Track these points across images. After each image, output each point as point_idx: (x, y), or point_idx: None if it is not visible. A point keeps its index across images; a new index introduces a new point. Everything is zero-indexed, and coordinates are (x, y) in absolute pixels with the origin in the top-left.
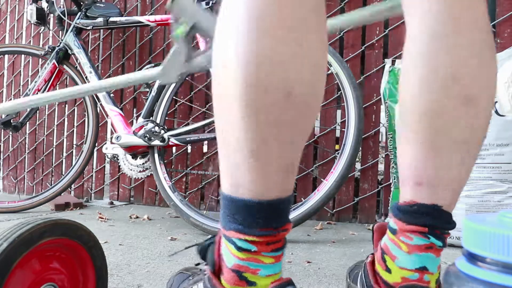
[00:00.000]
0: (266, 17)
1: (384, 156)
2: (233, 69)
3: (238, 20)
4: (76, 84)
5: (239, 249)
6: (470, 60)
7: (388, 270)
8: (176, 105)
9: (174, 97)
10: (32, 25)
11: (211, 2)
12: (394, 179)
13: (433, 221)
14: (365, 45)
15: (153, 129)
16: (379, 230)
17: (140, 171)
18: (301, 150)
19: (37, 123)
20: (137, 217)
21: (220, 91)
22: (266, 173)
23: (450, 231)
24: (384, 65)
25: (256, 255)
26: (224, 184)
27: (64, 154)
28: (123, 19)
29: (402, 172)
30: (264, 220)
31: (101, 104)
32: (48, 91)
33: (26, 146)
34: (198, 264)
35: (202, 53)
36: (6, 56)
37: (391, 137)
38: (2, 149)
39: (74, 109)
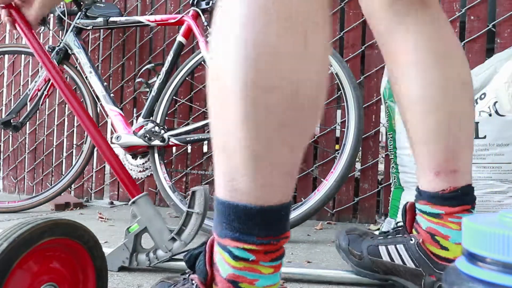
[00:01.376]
0: (271, 6)
1: (384, 156)
2: (233, 61)
3: (239, 10)
4: (76, 84)
5: (236, 258)
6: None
7: (445, 248)
8: (176, 105)
9: (174, 97)
10: None
11: (211, 2)
12: (394, 179)
13: (472, 197)
14: (365, 45)
15: (153, 129)
16: (411, 211)
17: (140, 171)
18: (304, 152)
19: (37, 123)
20: None
21: (218, 89)
22: (269, 176)
23: None
24: (384, 65)
25: (254, 264)
26: (220, 189)
27: (64, 154)
28: (123, 19)
29: (430, 167)
30: (264, 227)
31: (101, 104)
32: (48, 91)
33: (26, 146)
34: (183, 273)
35: (147, 252)
36: (6, 56)
37: (391, 137)
38: (2, 149)
39: None
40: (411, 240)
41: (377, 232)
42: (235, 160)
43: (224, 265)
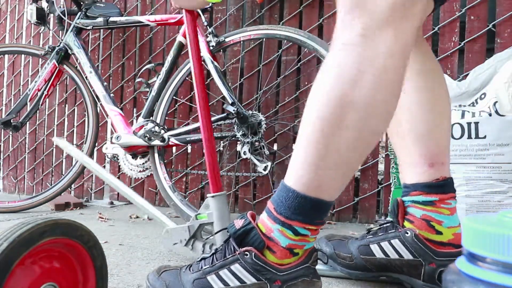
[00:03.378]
0: None
1: (384, 156)
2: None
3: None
4: (76, 84)
5: (297, 234)
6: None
7: (439, 232)
8: (176, 105)
9: (174, 97)
10: (32, 25)
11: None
12: (394, 179)
13: (454, 188)
14: None
15: (153, 129)
16: (402, 206)
17: (140, 171)
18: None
19: (37, 123)
20: (137, 217)
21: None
22: (346, 181)
23: None
24: None
25: (307, 237)
26: (300, 183)
27: (64, 154)
28: (123, 19)
29: (426, 158)
30: (324, 214)
31: (101, 104)
32: (48, 91)
33: (26, 146)
34: (216, 250)
35: (205, 243)
36: (6, 56)
37: None
38: (2, 149)
39: (74, 109)
40: (407, 233)
41: None
42: (330, 168)
43: (283, 238)
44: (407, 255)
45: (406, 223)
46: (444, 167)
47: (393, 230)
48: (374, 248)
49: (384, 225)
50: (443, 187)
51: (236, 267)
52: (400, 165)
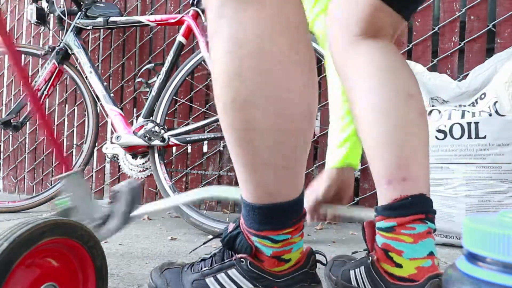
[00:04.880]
0: None
1: None
2: None
3: None
4: (76, 84)
5: (276, 241)
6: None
7: (398, 265)
8: (176, 105)
9: (174, 97)
10: (32, 25)
11: None
12: None
13: (426, 207)
14: None
15: (153, 129)
16: (370, 226)
17: (140, 171)
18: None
19: (37, 123)
20: None
21: None
22: (291, 175)
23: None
24: None
25: (290, 239)
26: (249, 194)
27: (64, 154)
28: (123, 19)
29: (382, 176)
30: (295, 213)
31: (101, 104)
32: (48, 91)
33: (26, 146)
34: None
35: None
36: (6, 56)
37: None
38: (2, 149)
39: (74, 109)
40: (369, 259)
41: None
42: (268, 171)
43: (266, 248)
44: (367, 286)
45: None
46: (406, 184)
47: (365, 256)
48: (352, 274)
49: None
50: (401, 208)
51: (233, 272)
52: None
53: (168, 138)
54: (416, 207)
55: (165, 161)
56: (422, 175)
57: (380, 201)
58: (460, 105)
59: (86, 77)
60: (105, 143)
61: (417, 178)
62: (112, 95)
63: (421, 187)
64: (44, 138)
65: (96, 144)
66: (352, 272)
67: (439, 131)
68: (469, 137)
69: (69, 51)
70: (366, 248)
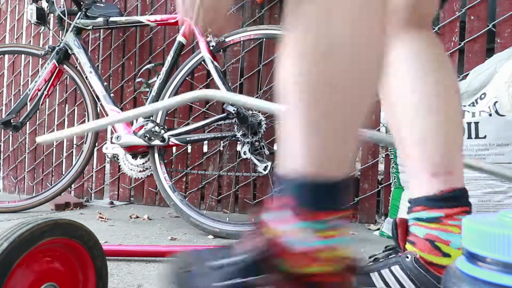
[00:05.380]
0: None
1: (384, 156)
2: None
3: None
4: (76, 84)
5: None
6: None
7: (447, 255)
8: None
9: None
10: (32, 25)
11: None
12: (394, 179)
13: (468, 201)
14: None
15: (153, 129)
16: (402, 226)
17: (140, 171)
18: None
19: (37, 123)
20: (137, 217)
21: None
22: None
23: None
24: None
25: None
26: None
27: (64, 154)
28: (123, 19)
29: (425, 168)
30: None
31: (101, 104)
32: (48, 91)
33: (26, 146)
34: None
35: None
36: (6, 56)
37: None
38: (2, 149)
39: (74, 109)
40: (407, 257)
41: (377, 232)
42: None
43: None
44: (408, 284)
45: (408, 246)
46: (452, 177)
47: (394, 255)
48: (374, 276)
49: (387, 250)
50: (449, 200)
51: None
52: (408, 178)
53: (168, 138)
54: (463, 200)
55: (165, 161)
56: (462, 170)
57: (416, 192)
58: None
59: (86, 77)
60: (105, 143)
61: (459, 172)
62: (112, 95)
63: (462, 180)
64: None
65: (96, 144)
66: (375, 274)
67: None
68: (469, 137)
69: (69, 51)
70: (387, 249)
